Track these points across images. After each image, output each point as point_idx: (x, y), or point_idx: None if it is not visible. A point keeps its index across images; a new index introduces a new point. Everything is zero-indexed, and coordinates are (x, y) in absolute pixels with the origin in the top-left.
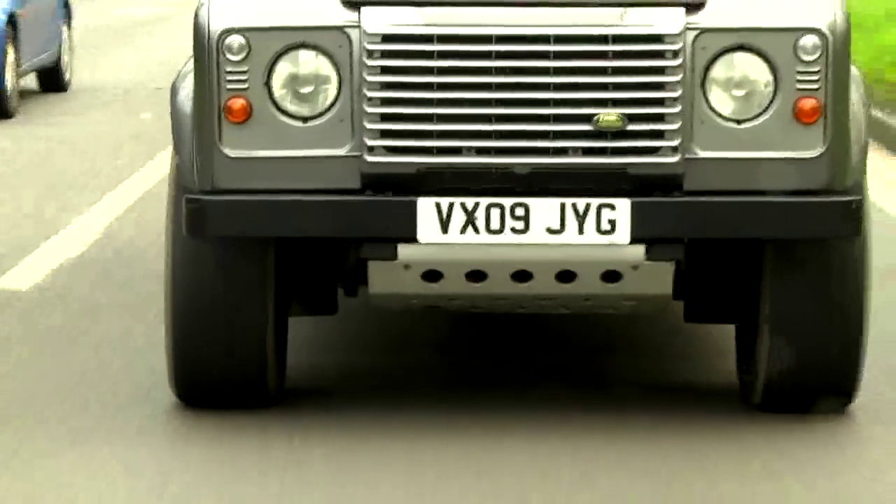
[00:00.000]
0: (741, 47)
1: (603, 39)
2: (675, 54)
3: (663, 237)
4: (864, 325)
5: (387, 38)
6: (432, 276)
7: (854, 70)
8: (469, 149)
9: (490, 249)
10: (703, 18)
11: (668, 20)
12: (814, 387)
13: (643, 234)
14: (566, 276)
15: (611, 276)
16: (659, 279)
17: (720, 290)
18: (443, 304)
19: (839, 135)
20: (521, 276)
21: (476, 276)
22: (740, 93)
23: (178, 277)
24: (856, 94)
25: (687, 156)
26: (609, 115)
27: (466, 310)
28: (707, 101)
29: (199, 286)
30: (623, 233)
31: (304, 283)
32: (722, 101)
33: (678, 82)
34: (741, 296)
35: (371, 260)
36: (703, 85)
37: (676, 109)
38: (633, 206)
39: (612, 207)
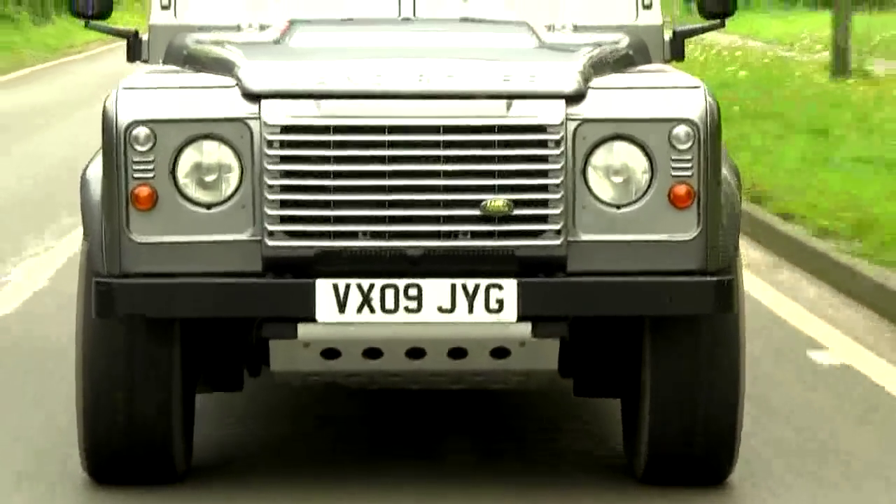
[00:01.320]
0: (619, 136)
1: (490, 129)
2: (557, 143)
3: (548, 315)
4: (739, 398)
5: (286, 130)
6: (331, 353)
7: (726, 157)
8: (364, 233)
9: (385, 328)
10: (583, 110)
11: (550, 111)
12: (694, 459)
13: (529, 312)
14: (457, 352)
15: (499, 352)
16: (545, 355)
17: (605, 365)
18: (341, 380)
19: (712, 218)
20: (415, 353)
21: (372, 353)
22: (619, 179)
23: (87, 356)
24: (728, 180)
25: (570, 238)
26: (496, 201)
27: (365, 386)
28: (588, 187)
29: (108, 365)
30: (510, 311)
31: (209, 361)
32: (602, 187)
33: (560, 170)
34: (625, 371)
35: (272, 339)
36: (584, 172)
37: (559, 195)
38: (520, 286)
39: (500, 287)
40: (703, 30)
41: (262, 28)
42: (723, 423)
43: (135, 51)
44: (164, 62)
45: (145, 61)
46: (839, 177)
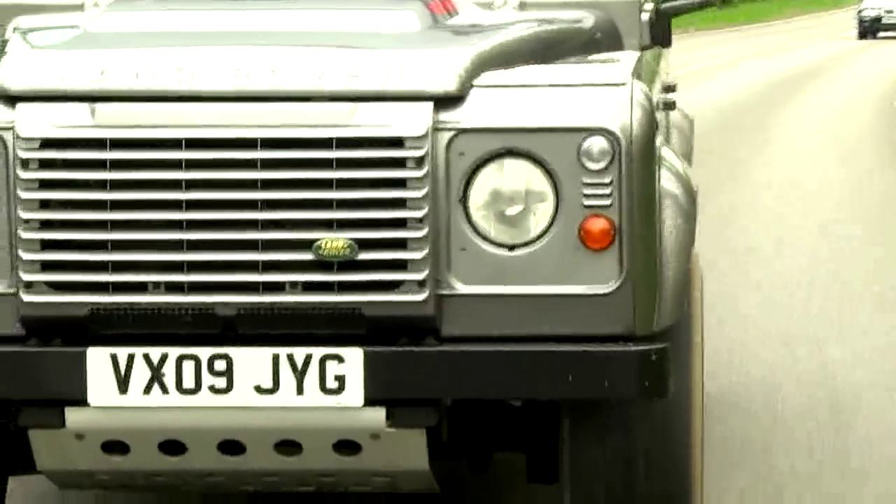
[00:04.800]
0: (510, 152)
1: (326, 144)
2: (420, 162)
3: (410, 398)
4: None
5: (46, 144)
6: (115, 447)
7: (673, 172)
8: (156, 284)
9: (183, 414)
10: (461, 116)
11: (410, 119)
12: None
13: (382, 394)
14: (288, 447)
15: (345, 446)
16: (409, 450)
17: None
18: (142, 481)
19: (642, 264)
20: (231, 447)
21: (173, 447)
22: (511, 211)
23: None
24: (672, 210)
25: (442, 292)
26: (335, 241)
27: (182, 488)
28: (469, 221)
29: None
30: (354, 393)
31: None
32: (488, 221)
33: (425, 198)
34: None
35: (32, 428)
36: (463, 201)
37: (421, 233)
38: (368, 357)
39: (341, 360)
40: (696, 6)
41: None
42: None
43: None
44: None
45: None
46: None
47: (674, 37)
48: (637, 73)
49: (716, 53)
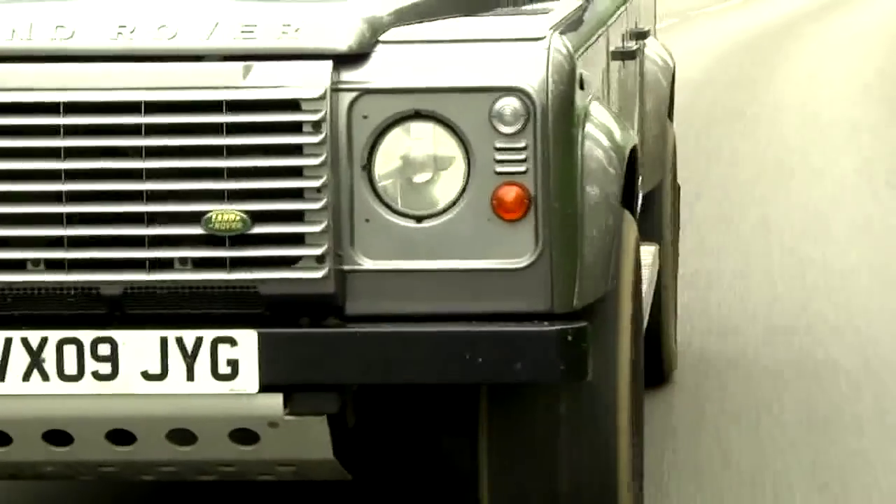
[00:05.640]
0: (418, 115)
1: (215, 107)
2: (317, 126)
3: (309, 383)
4: (618, 483)
5: None
6: None
7: (595, 142)
8: (35, 261)
9: (66, 402)
10: (363, 75)
11: (306, 79)
12: None
13: (279, 379)
14: (181, 436)
15: (243, 435)
16: (310, 439)
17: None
18: (26, 472)
19: (559, 236)
20: (120, 436)
21: (57, 437)
22: (420, 179)
23: None
24: (596, 176)
25: (344, 268)
26: (226, 213)
27: (74, 478)
28: (374, 190)
29: None
30: (249, 378)
31: None
32: (394, 190)
33: (322, 165)
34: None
35: None
36: (368, 168)
37: (319, 204)
38: (263, 339)
39: (234, 342)
40: None
41: None
42: None
43: None
44: None
45: None
46: None
47: None
48: (565, 26)
49: None
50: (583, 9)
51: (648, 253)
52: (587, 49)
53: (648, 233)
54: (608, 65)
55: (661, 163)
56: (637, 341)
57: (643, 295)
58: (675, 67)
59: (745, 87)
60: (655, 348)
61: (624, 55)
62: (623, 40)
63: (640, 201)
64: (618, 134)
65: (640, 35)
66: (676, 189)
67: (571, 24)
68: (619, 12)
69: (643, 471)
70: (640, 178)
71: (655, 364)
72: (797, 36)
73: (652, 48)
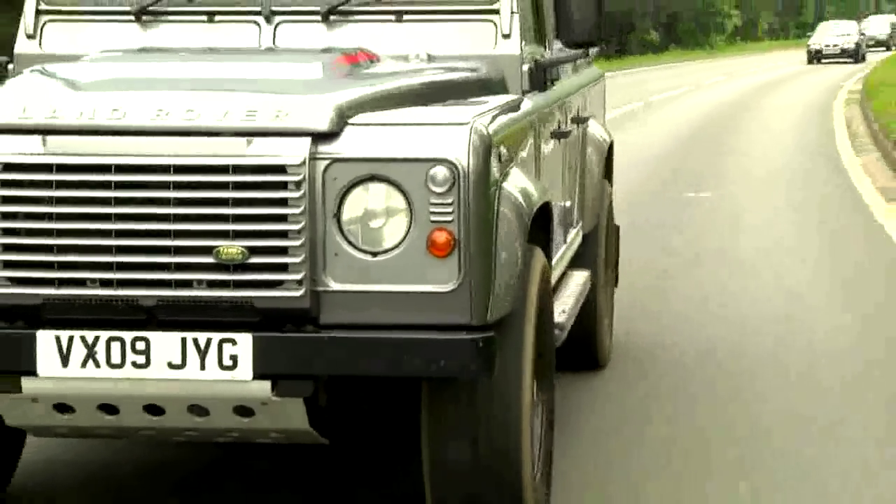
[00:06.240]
0: (374, 178)
1: (224, 170)
2: (298, 185)
3: (288, 373)
4: (521, 471)
5: (7, 168)
6: (64, 408)
7: (508, 200)
8: (93, 280)
9: (112, 384)
10: (336, 148)
11: (292, 150)
12: None
13: (267, 370)
14: (198, 410)
15: (243, 410)
16: (290, 415)
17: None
18: (89, 433)
19: (477, 268)
20: (153, 409)
21: (108, 409)
22: (375, 224)
23: None
24: (507, 224)
25: (319, 288)
26: (230, 248)
27: (119, 438)
28: (342, 232)
29: None
30: (245, 369)
31: None
32: (356, 233)
33: (301, 214)
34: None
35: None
36: (338, 216)
37: (299, 242)
38: (256, 340)
39: (234, 342)
40: (568, 59)
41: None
42: (505, 476)
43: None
44: None
45: None
46: None
47: (674, 63)
48: (492, 115)
49: (716, 72)
50: (517, 102)
51: (582, 276)
52: (512, 131)
53: (587, 261)
54: (538, 142)
55: (598, 211)
56: (542, 345)
57: (554, 311)
58: (611, 142)
59: (699, 149)
60: (590, 345)
61: (560, 135)
62: (559, 125)
63: (569, 239)
64: (531, 191)
65: (581, 120)
66: (615, 229)
67: (499, 114)
68: (553, 105)
69: (553, 443)
70: (581, 222)
71: (591, 357)
72: (736, 117)
73: (593, 129)
